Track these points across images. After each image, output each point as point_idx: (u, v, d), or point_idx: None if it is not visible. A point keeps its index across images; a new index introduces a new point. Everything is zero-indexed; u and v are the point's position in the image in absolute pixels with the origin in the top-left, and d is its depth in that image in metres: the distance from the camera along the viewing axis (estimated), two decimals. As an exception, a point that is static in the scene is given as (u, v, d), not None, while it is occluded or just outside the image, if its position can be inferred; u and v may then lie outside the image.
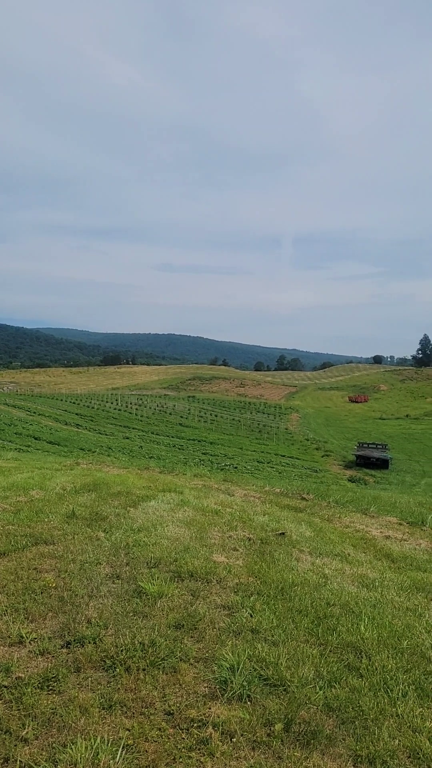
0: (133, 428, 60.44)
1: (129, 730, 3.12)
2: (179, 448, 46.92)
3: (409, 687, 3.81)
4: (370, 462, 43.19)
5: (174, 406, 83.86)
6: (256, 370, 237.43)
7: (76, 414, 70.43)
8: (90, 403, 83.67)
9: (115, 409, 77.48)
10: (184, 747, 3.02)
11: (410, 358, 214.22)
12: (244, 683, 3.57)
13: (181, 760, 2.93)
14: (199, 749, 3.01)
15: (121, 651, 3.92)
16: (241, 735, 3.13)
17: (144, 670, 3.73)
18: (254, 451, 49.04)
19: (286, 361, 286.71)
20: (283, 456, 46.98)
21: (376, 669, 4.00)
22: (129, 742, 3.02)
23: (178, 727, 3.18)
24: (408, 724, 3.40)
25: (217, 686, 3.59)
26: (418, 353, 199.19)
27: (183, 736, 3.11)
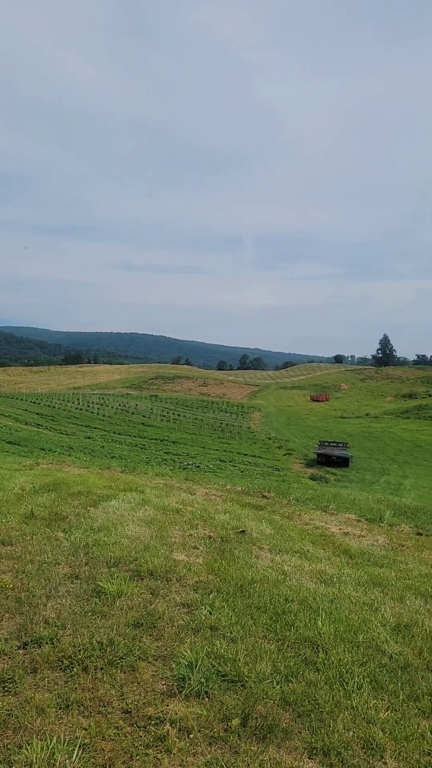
0: (95, 428, 59.93)
1: (86, 730, 3.11)
2: (141, 448, 46.73)
3: (364, 680, 3.89)
4: (331, 460, 43.63)
5: (136, 405, 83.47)
6: (219, 369, 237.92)
7: (37, 413, 69.51)
8: (51, 402, 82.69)
9: (76, 408, 76.72)
10: (141, 745, 3.02)
11: (370, 357, 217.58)
12: (202, 680, 3.60)
13: (138, 757, 2.94)
14: (156, 746, 3.02)
15: (79, 651, 3.90)
16: (199, 731, 3.15)
17: (102, 669, 3.72)
18: (217, 450, 49.14)
19: (249, 361, 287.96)
20: (246, 455, 47.19)
21: (333, 663, 4.07)
22: (86, 741, 3.01)
23: (135, 725, 3.19)
24: (362, 716, 3.47)
25: (176, 683, 3.60)
26: (378, 353, 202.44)
27: (140, 734, 3.11)
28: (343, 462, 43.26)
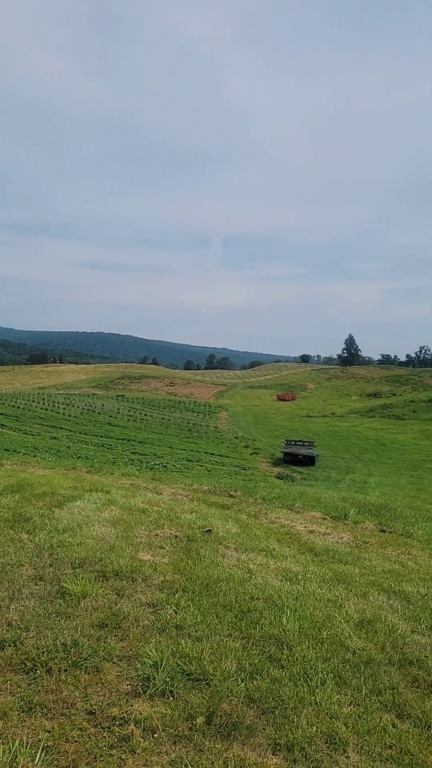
0: (61, 428, 59.31)
1: (49, 732, 3.08)
2: (108, 448, 46.41)
3: (327, 675, 3.93)
4: (297, 459, 43.94)
5: (103, 405, 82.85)
6: (186, 369, 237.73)
7: (0, 414, 68.47)
8: (15, 402, 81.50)
9: (41, 408, 75.80)
10: (105, 745, 3.01)
11: (336, 357, 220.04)
12: (167, 679, 3.60)
13: (101, 758, 2.92)
14: (120, 747, 3.01)
15: (43, 653, 3.86)
16: (163, 730, 3.15)
17: (66, 670, 3.69)
18: (184, 449, 49.08)
19: (216, 360, 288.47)
20: (213, 454, 47.24)
21: (297, 659, 4.11)
22: (49, 743, 2.99)
23: (99, 726, 3.17)
24: (326, 711, 3.51)
25: (140, 683, 3.59)
26: (344, 352, 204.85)
27: (104, 735, 3.10)
28: (309, 461, 43.61)
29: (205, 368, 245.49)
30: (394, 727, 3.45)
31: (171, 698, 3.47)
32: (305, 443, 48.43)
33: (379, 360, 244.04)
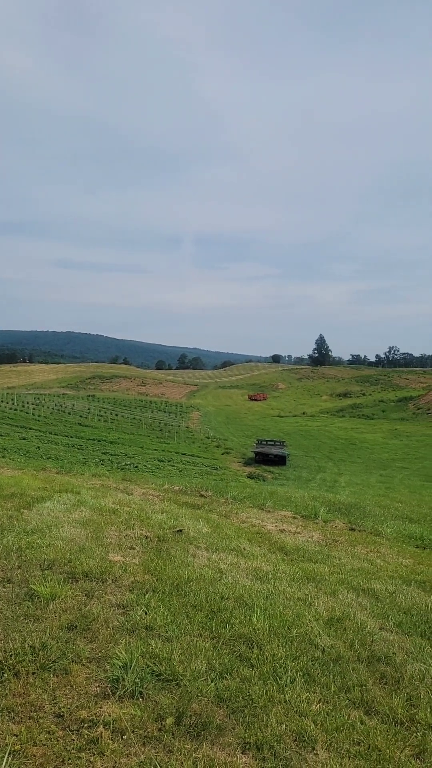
0: (30, 428, 58.60)
1: (16, 736, 3.04)
2: (78, 448, 45.99)
3: (297, 673, 3.96)
4: (268, 458, 44.06)
5: (73, 405, 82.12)
6: (158, 368, 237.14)
7: (-31, 414, 67.40)
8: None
9: (10, 408, 74.83)
10: (73, 748, 2.98)
11: (307, 357, 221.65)
12: (137, 680, 3.58)
13: (70, 761, 2.89)
14: (89, 749, 2.99)
15: (10, 656, 3.81)
16: (132, 732, 3.13)
17: (34, 673, 3.64)
18: (155, 449, 48.89)
19: (188, 360, 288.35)
20: (184, 454, 47.14)
21: (267, 658, 4.13)
22: (16, 747, 2.95)
23: (68, 729, 3.14)
24: (295, 709, 3.53)
25: (110, 685, 3.57)
26: (314, 353, 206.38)
27: (73, 738, 3.07)
28: (280, 460, 43.78)
29: (177, 368, 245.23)
30: (362, 723, 3.48)
31: (140, 699, 3.46)
32: (276, 443, 48.60)
33: (349, 360, 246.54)
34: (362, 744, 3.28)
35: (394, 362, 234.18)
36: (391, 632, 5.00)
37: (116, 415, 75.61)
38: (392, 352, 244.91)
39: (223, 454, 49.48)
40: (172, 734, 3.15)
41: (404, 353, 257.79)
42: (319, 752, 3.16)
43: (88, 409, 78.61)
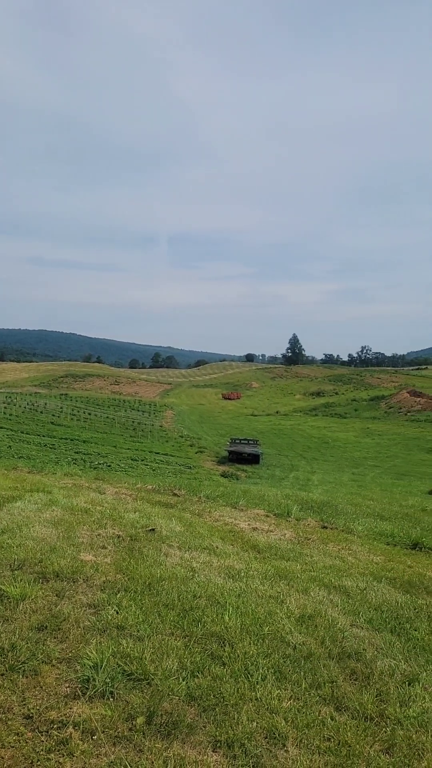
0: (2, 427, 57.86)
1: (-16, 739, 3.00)
2: (51, 448, 45.56)
3: (268, 671, 3.97)
4: (242, 457, 44.10)
5: (45, 404, 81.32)
6: (131, 367, 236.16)
7: None
8: None
9: (-18, 407, 73.84)
10: (42, 750, 2.95)
11: (280, 356, 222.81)
12: (107, 680, 3.55)
13: (39, 763, 2.86)
14: (58, 750, 2.96)
15: (-21, 657, 3.75)
16: (103, 732, 3.11)
17: (2, 675, 3.60)
18: (128, 449, 48.64)
19: (162, 359, 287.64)
20: (158, 453, 46.99)
21: (238, 656, 4.13)
22: (-16, 750, 2.91)
23: (37, 730, 3.10)
24: (266, 707, 3.54)
25: (80, 685, 3.54)
26: (288, 352, 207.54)
27: (42, 739, 3.04)
28: (253, 459, 43.87)
29: (151, 367, 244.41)
30: (332, 719, 3.51)
31: (111, 699, 3.43)
32: (250, 442, 48.71)
33: (322, 359, 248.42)
34: (332, 740, 3.30)
35: (366, 362, 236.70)
36: (362, 629, 5.05)
37: (89, 414, 75.08)
38: (365, 351, 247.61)
39: (196, 453, 49.45)
40: (143, 734, 3.14)
41: (376, 353, 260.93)
42: (289, 749, 3.18)
43: (61, 408, 77.93)
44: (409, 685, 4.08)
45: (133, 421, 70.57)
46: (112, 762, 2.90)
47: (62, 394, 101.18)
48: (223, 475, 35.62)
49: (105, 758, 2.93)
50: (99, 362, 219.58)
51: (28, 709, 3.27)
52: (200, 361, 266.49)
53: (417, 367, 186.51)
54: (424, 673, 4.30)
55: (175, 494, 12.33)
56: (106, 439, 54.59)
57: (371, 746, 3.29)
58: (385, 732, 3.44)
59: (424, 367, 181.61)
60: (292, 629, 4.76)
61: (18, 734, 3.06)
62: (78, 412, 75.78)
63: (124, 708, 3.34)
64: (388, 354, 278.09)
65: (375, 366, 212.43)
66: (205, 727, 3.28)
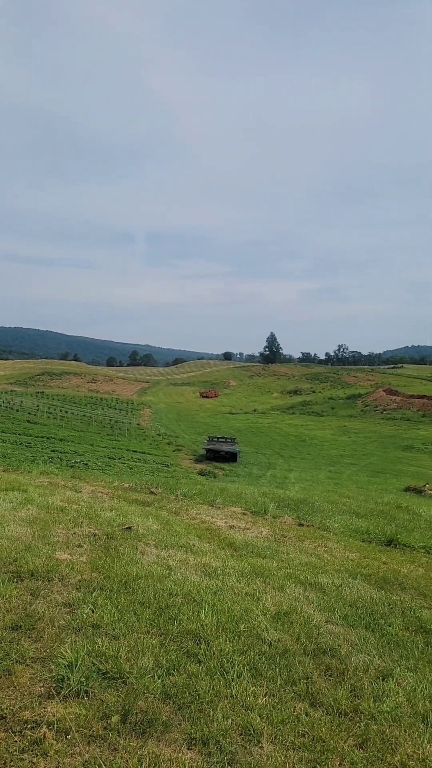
0: (-23, 426, 57.27)
1: (-44, 740, 2.97)
2: (27, 446, 45.14)
3: (244, 668, 3.99)
4: (219, 455, 44.17)
5: (21, 402, 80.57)
6: (109, 365, 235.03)
7: None
8: None
9: None
10: (15, 750, 2.92)
11: (258, 355, 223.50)
12: (82, 679, 3.53)
13: (12, 763, 2.84)
14: (32, 750, 2.93)
15: None
16: (77, 731, 3.09)
17: (-25, 675, 3.56)
18: (106, 447, 48.41)
19: (139, 357, 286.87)
20: (135, 451, 46.82)
21: (214, 653, 4.14)
22: None
23: (10, 731, 3.07)
24: (241, 704, 3.55)
25: (54, 685, 3.51)
26: (265, 350, 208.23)
27: (15, 739, 3.01)
28: (231, 457, 43.95)
29: (128, 365, 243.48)
30: (307, 715, 3.53)
31: (86, 698, 3.41)
32: (227, 440, 48.78)
33: (299, 358, 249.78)
34: (307, 736, 3.32)
35: (343, 360, 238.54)
36: (337, 625, 5.09)
37: (66, 412, 74.57)
38: (341, 350, 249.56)
39: (174, 451, 49.39)
40: (118, 732, 3.13)
41: (353, 351, 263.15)
42: (264, 745, 3.19)
43: (37, 406, 77.28)
44: (383, 680, 4.13)
45: (110, 420, 70.26)
46: (86, 761, 2.89)
47: (39, 392, 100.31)
48: (201, 473, 35.63)
49: (79, 757, 2.91)
50: (76, 360, 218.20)
51: (2, 710, 3.24)
52: (178, 359, 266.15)
53: (393, 365, 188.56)
54: (398, 669, 4.35)
55: (152, 492, 12.30)
56: (83, 437, 54.28)
57: (345, 741, 3.32)
58: (359, 727, 3.48)
59: (399, 365, 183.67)
60: (268, 626, 4.77)
61: (-9, 735, 3.03)
62: (55, 410, 75.22)
63: (99, 707, 3.33)
64: (365, 353, 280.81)
65: (352, 364, 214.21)
66: (180, 724, 3.27)
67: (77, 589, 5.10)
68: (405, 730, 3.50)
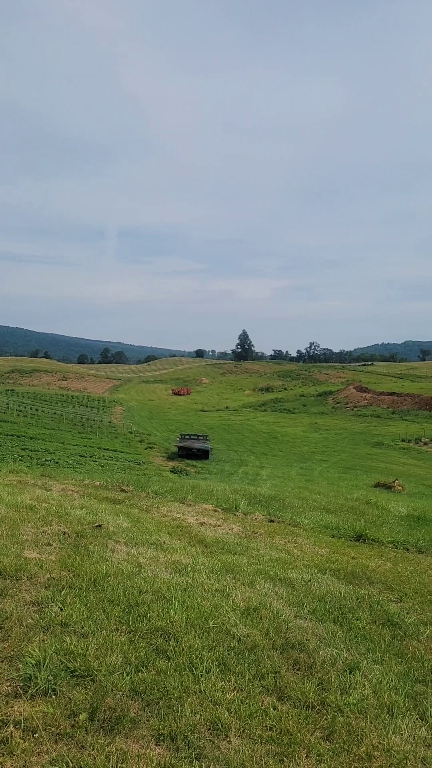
0: None
1: None
2: (-4, 444, 44.61)
3: (212, 663, 4.01)
4: (191, 453, 44.16)
5: (-9, 400, 79.58)
6: (80, 363, 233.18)
7: None
8: None
9: None
10: (-19, 750, 2.91)
11: (230, 352, 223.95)
12: (50, 677, 3.52)
13: (-22, 763, 2.82)
14: (-2, 750, 2.92)
15: None
16: (44, 729, 3.08)
17: None
18: (77, 445, 48.04)
19: (111, 354, 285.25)
20: (107, 449, 46.55)
21: (183, 650, 4.15)
22: None
23: (-24, 731, 3.05)
24: (210, 699, 3.57)
25: (21, 684, 3.49)
26: (237, 348, 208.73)
27: (-19, 739, 2.99)
28: (203, 454, 43.99)
29: (100, 362, 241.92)
30: (274, 709, 3.57)
31: (53, 696, 3.40)
32: (200, 437, 48.80)
33: (271, 355, 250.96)
34: (274, 729, 3.36)
35: (314, 357, 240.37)
36: (306, 619, 5.15)
37: (36, 410, 73.81)
38: (313, 347, 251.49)
39: (146, 448, 49.24)
40: (86, 730, 3.12)
41: (324, 349, 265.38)
42: (232, 739, 3.22)
43: (7, 404, 76.34)
44: (350, 673, 4.19)
45: (81, 417, 69.75)
46: (53, 759, 2.88)
47: (8, 390, 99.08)
48: (173, 470, 35.59)
49: (46, 756, 2.90)
50: (47, 358, 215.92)
51: (-32, 710, 3.21)
52: (150, 356, 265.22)
53: (363, 363, 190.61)
54: (365, 661, 4.42)
55: (123, 490, 12.25)
56: (54, 435, 53.79)
57: (312, 734, 3.36)
58: (326, 719, 3.53)
59: (370, 363, 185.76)
60: (238, 622, 4.81)
61: (-44, 735, 3.00)
62: (25, 408, 74.39)
63: (67, 705, 3.32)
64: (336, 350, 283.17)
65: (323, 362, 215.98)
66: (148, 720, 3.28)
67: (46, 587, 5.06)
68: (370, 722, 3.57)
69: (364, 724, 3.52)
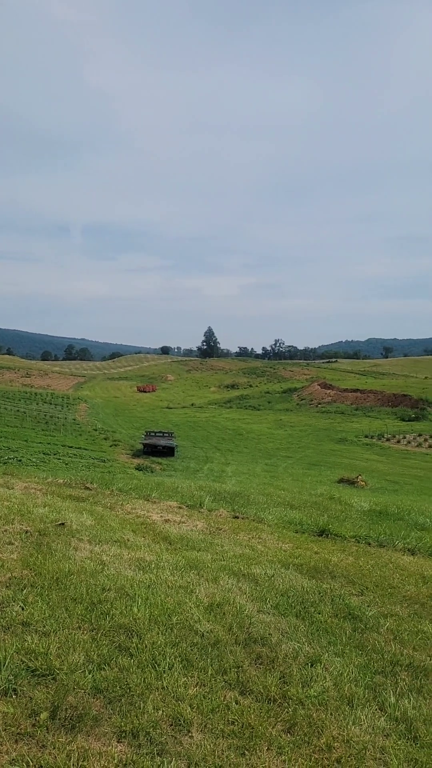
0: None
1: None
2: (-43, 443, 43.80)
3: (175, 660, 4.02)
4: (157, 450, 44.07)
5: None
6: (44, 359, 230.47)
7: None
8: None
9: None
10: None
11: (196, 349, 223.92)
12: (10, 677, 3.48)
13: None
14: (-44, 751, 2.88)
15: None
16: (4, 730, 3.05)
17: None
18: (40, 443, 47.45)
19: (75, 351, 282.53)
20: (71, 447, 46.09)
21: (146, 647, 4.15)
22: None
23: None
24: (172, 695, 3.58)
25: (-19, 685, 3.45)
26: (203, 345, 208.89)
27: None
28: (168, 451, 43.93)
29: (64, 359, 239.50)
30: (237, 703, 3.59)
31: (14, 696, 3.37)
32: (165, 434, 48.70)
33: (237, 352, 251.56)
34: (236, 723, 3.38)
35: (279, 355, 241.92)
36: (269, 614, 5.19)
37: (-1, 407, 72.70)
38: (278, 344, 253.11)
39: (111, 446, 48.93)
40: (47, 729, 3.10)
41: (289, 346, 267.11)
42: (194, 734, 3.23)
43: (-32, 401, 75.02)
44: (311, 666, 4.23)
45: (45, 415, 68.93)
46: (13, 759, 2.85)
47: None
48: (138, 468, 35.45)
49: (6, 756, 2.87)
50: (9, 354, 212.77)
51: None
52: (115, 353, 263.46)
53: (327, 360, 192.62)
54: (326, 654, 4.48)
55: (87, 488, 12.16)
56: (17, 433, 53.00)
57: (273, 727, 3.40)
58: (287, 712, 3.56)
59: (334, 360, 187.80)
60: (201, 618, 4.82)
61: None
62: (-13, 405, 73.18)
63: (27, 704, 3.29)
64: (301, 347, 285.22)
65: (288, 359, 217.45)
66: (110, 718, 3.27)
67: (7, 587, 5.00)
68: (331, 714, 3.62)
69: (324, 716, 3.56)
